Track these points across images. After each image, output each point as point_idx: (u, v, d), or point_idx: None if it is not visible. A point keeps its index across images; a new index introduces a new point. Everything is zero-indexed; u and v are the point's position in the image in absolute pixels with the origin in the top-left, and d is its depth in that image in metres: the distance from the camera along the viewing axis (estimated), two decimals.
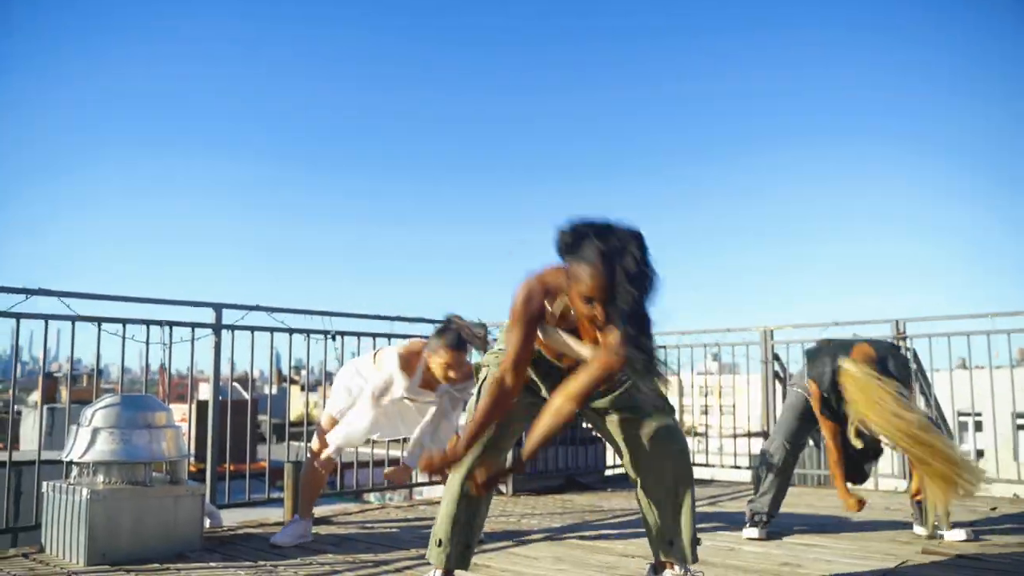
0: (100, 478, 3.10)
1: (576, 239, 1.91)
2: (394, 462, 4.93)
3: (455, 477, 2.28)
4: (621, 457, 2.33)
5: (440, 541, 2.29)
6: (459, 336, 3.20)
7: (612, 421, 2.30)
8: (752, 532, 3.48)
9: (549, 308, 2.08)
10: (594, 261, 1.86)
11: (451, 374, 3.24)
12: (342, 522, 3.94)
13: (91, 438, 3.07)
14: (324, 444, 3.40)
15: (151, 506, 3.09)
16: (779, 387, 5.74)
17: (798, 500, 4.64)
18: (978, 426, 6.38)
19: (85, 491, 2.94)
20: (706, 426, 6.62)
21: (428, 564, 2.35)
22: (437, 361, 3.24)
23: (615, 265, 1.84)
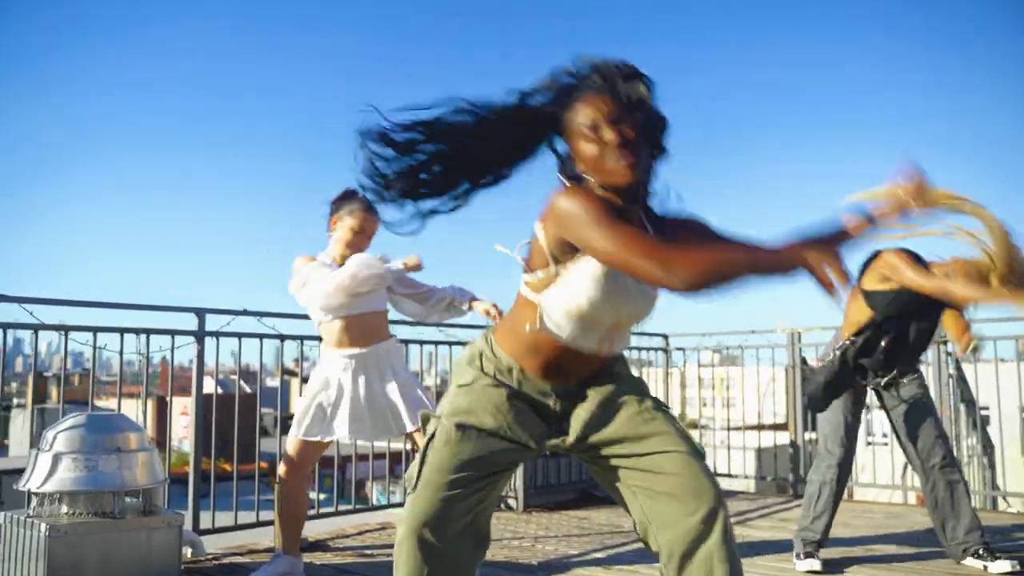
0: (64, 509, 2.75)
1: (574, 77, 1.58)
2: (395, 455, 4.55)
3: (410, 533, 1.58)
4: (632, 515, 1.66)
5: None
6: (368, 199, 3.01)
7: (621, 465, 1.64)
8: (812, 564, 3.11)
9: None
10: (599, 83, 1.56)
11: (354, 240, 2.99)
12: (338, 547, 3.58)
13: (52, 465, 2.71)
14: (293, 467, 3.04)
15: (121, 540, 2.73)
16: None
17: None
18: (986, 420, 6.04)
19: (43, 526, 2.59)
20: (729, 422, 6.26)
21: None
22: (346, 226, 3.00)
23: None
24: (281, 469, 3.04)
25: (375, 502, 4.70)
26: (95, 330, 3.22)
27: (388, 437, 3.13)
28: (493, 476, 1.63)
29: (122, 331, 3.29)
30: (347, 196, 3.04)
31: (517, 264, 1.67)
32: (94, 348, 3.21)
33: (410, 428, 3.00)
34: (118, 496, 2.78)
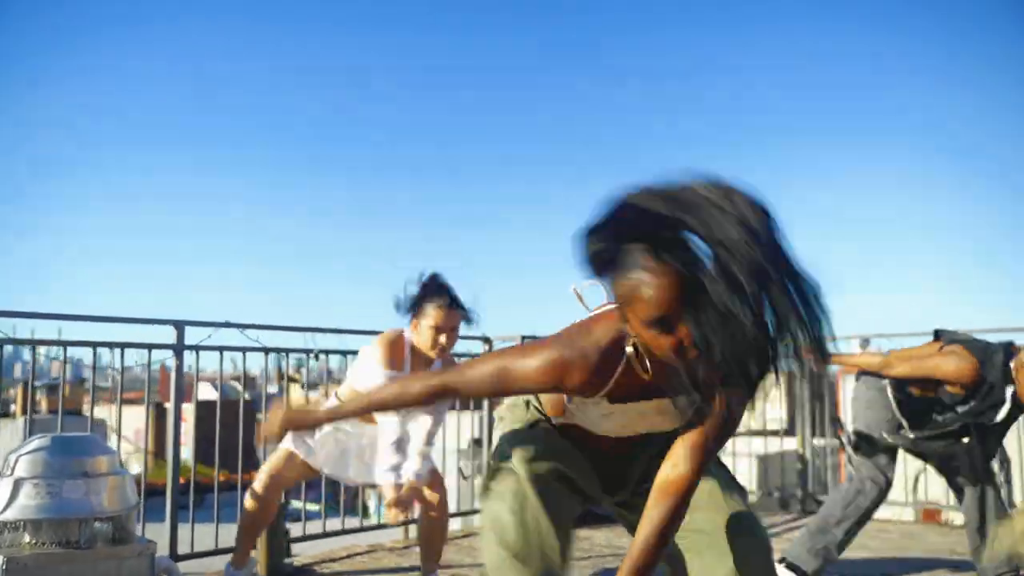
0: (26, 539, 2.56)
1: (616, 243, 1.15)
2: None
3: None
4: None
5: None
6: (452, 293, 2.70)
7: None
8: None
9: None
10: (654, 260, 1.10)
11: (442, 340, 2.69)
12: (325, 572, 3.40)
13: (12, 490, 2.52)
14: (274, 483, 2.84)
15: (87, 572, 2.54)
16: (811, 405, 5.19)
17: None
18: None
19: (1, 558, 2.41)
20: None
21: None
22: (426, 325, 2.68)
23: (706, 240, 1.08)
24: (259, 483, 2.84)
25: (372, 510, 4.52)
26: (65, 344, 3.04)
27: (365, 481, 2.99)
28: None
29: (95, 345, 3.10)
30: (425, 295, 2.75)
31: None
32: (63, 363, 3.03)
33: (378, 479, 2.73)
34: (85, 524, 2.59)
